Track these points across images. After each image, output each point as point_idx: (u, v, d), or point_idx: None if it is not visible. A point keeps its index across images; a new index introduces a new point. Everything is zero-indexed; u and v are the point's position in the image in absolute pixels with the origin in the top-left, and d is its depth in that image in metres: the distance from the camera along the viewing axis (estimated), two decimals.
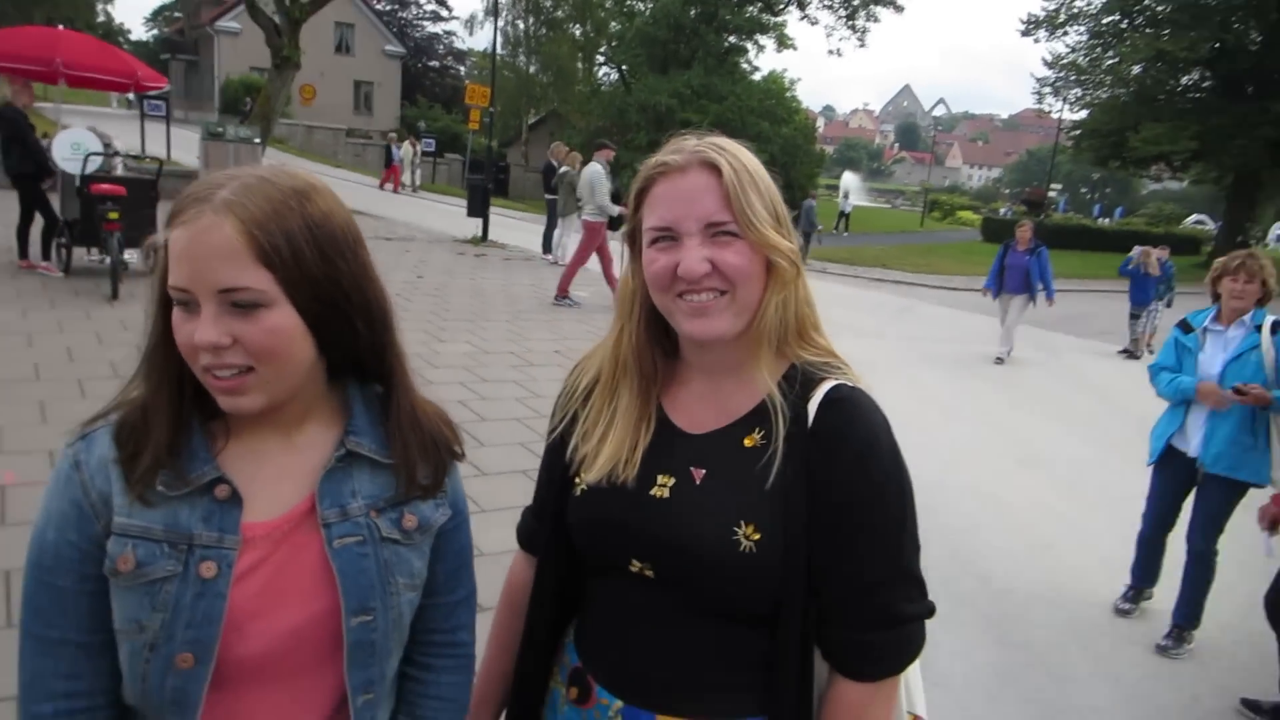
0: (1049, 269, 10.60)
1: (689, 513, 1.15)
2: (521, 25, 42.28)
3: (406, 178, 27.34)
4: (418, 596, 1.16)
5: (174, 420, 1.01)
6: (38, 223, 8.91)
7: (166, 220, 0.98)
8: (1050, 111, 35.50)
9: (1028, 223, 11.14)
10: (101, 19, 41.98)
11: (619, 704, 1.21)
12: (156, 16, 68.74)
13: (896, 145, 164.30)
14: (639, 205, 1.19)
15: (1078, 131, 35.59)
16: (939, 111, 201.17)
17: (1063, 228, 35.20)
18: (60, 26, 11.51)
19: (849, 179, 52.51)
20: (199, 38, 45.52)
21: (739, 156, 1.14)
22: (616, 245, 9.75)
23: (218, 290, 0.94)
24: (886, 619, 1.13)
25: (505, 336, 8.44)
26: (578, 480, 1.25)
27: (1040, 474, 6.46)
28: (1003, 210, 47.48)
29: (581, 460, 1.25)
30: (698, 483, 1.17)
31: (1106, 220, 49.97)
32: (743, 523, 1.12)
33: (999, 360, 10.60)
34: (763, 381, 1.17)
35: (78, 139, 8.80)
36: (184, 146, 20.26)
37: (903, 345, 11.19)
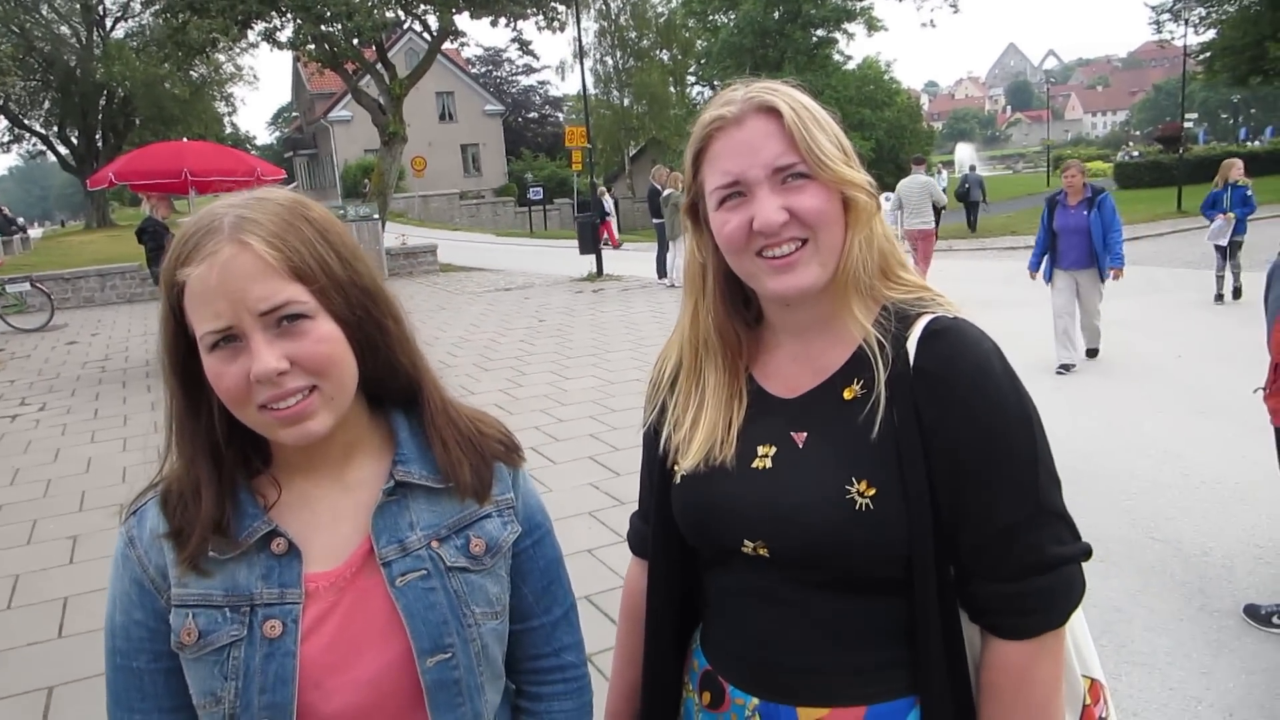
0: (1117, 225, 7.29)
1: (795, 479, 1.07)
2: (610, 61, 43.12)
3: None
4: (503, 624, 1.09)
5: (216, 489, 0.97)
6: None
7: (166, 272, 0.93)
8: (1173, 39, 33.14)
9: (1075, 163, 7.79)
10: (230, 130, 45.25)
11: (754, 701, 1.11)
12: (277, 119, 74.00)
13: (1009, 108, 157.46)
14: (697, 169, 1.11)
15: (1207, 54, 33.14)
16: (1050, 64, 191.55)
17: (1208, 159, 32.78)
18: (184, 140, 12.39)
19: (963, 150, 50.52)
20: (316, 131, 48.49)
21: (795, 95, 1.07)
22: None
23: (260, 314, 0.89)
24: (1035, 564, 1.01)
25: (630, 365, 8.43)
26: (675, 468, 1.17)
27: (1223, 422, 5.85)
28: (1133, 153, 44.51)
29: (676, 449, 1.17)
30: (800, 447, 1.08)
31: (1257, 142, 46.13)
32: (854, 479, 1.02)
33: (1064, 369, 7.29)
34: (857, 326, 1.07)
35: None
36: None
37: (1047, 311, 10.52)
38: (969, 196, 22.86)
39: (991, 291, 11.91)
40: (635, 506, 1.34)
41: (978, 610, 1.05)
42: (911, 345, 1.04)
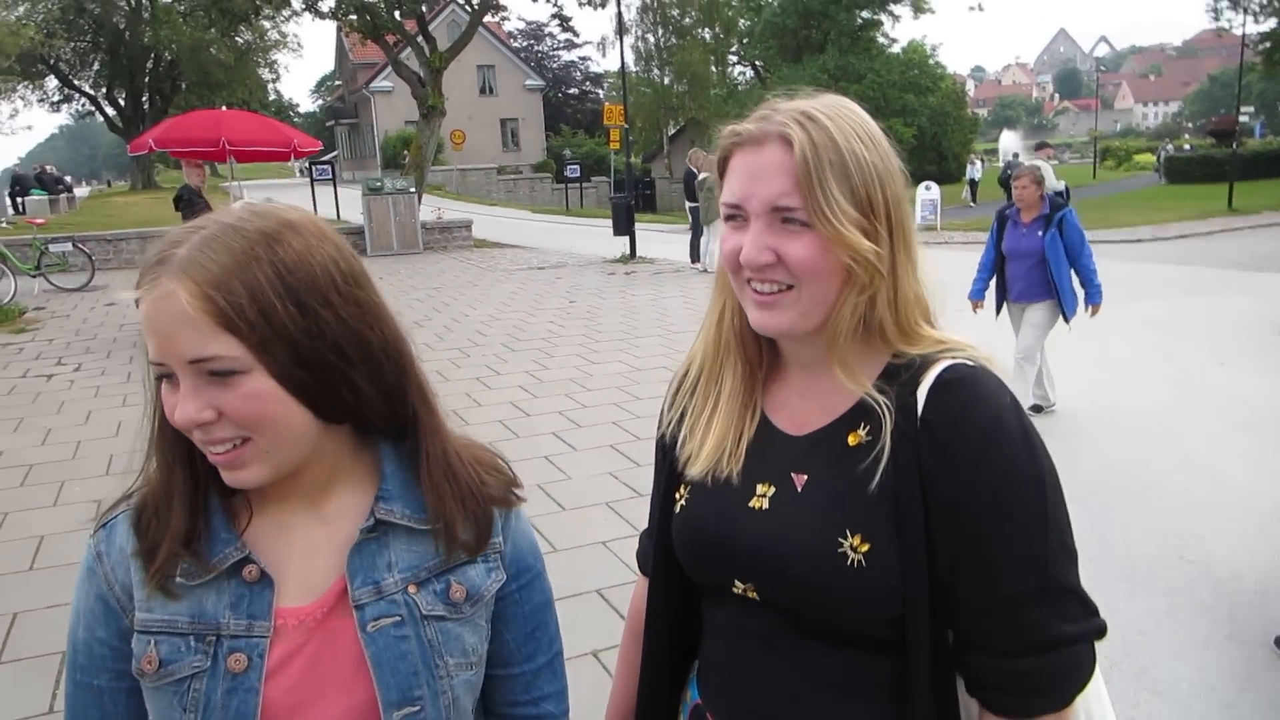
0: (1083, 246, 5.83)
1: (788, 525, 1.02)
2: (652, 39, 42.72)
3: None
4: (478, 675, 1.03)
5: (189, 503, 0.92)
6: None
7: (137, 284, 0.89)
8: (1231, 27, 32.11)
9: (1027, 171, 6.13)
10: (273, 96, 45.68)
11: None
12: (320, 87, 74.53)
13: (1056, 96, 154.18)
14: (721, 176, 1.06)
15: (1268, 44, 32.15)
16: (1101, 51, 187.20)
17: (1265, 154, 31.88)
18: (224, 108, 12.47)
19: (1008, 138, 49.41)
20: (358, 101, 48.67)
21: (829, 128, 0.96)
22: None
23: (187, 361, 0.84)
24: (1037, 641, 0.94)
25: (658, 351, 8.39)
26: (678, 495, 1.14)
27: (1268, 437, 5.67)
28: (1184, 146, 43.32)
29: (688, 456, 1.13)
30: (799, 490, 1.03)
31: None
32: (848, 532, 0.97)
33: (1037, 409, 6.03)
34: (851, 381, 1.01)
35: None
36: (352, 205, 21.51)
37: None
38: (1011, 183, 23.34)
39: None
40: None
41: (974, 682, 0.99)
42: (921, 394, 0.97)
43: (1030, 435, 0.96)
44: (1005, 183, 24.88)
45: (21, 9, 29.64)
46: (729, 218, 1.02)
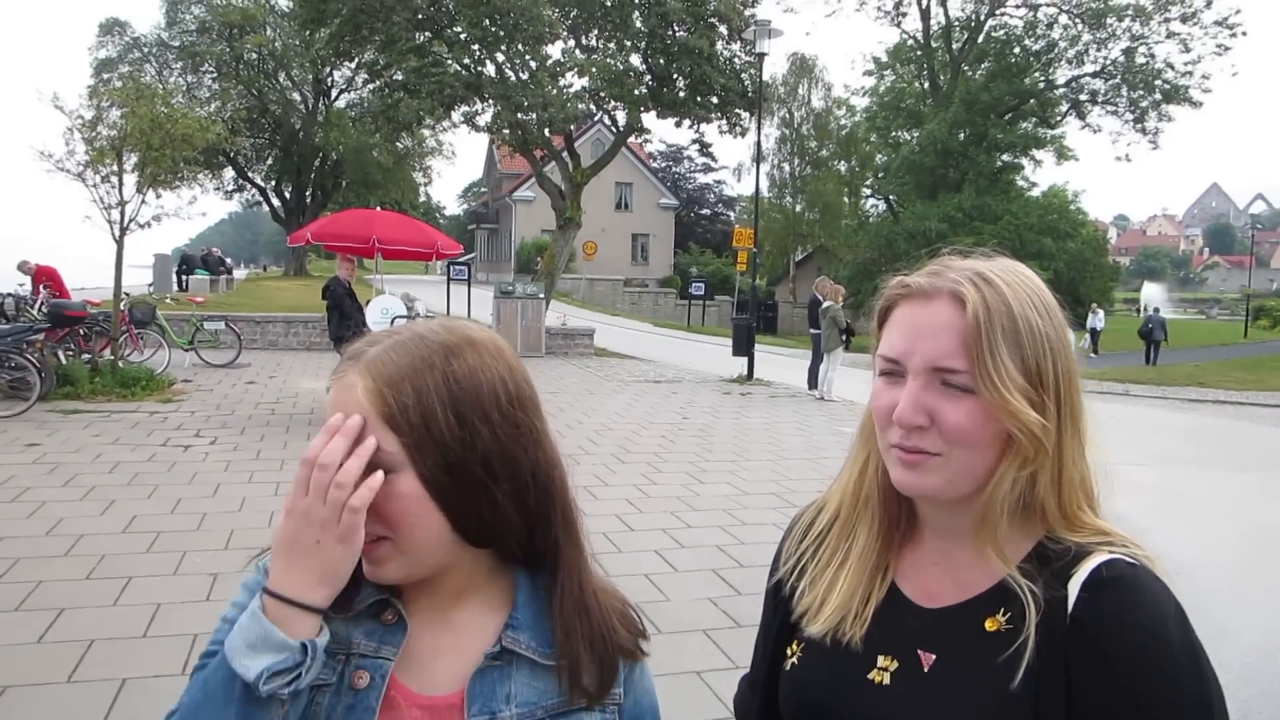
0: None
1: (910, 707, 0.95)
2: (787, 167, 43.80)
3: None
4: None
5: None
6: None
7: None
8: None
9: None
10: (423, 198, 48.79)
11: None
12: (466, 192, 79.25)
13: (1206, 250, 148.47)
14: (880, 325, 1.02)
15: None
16: (1257, 208, 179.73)
17: None
18: (378, 208, 13.35)
19: (1151, 289, 47.66)
20: (500, 207, 51.36)
21: (1005, 292, 0.92)
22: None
23: None
24: None
25: (768, 477, 8.24)
26: (790, 651, 1.08)
27: None
28: None
29: (804, 613, 1.07)
30: (925, 670, 0.96)
31: None
32: None
33: None
34: (998, 562, 0.94)
35: (386, 304, 10.07)
36: (483, 305, 22.38)
37: (1234, 476, 9.59)
38: (1151, 336, 26.15)
39: (1171, 445, 11.03)
40: (755, 629, 1.21)
41: None
42: (1073, 589, 0.89)
43: (1197, 652, 0.87)
44: (1145, 335, 25.02)
45: (213, 106, 32.77)
46: (885, 372, 0.98)
